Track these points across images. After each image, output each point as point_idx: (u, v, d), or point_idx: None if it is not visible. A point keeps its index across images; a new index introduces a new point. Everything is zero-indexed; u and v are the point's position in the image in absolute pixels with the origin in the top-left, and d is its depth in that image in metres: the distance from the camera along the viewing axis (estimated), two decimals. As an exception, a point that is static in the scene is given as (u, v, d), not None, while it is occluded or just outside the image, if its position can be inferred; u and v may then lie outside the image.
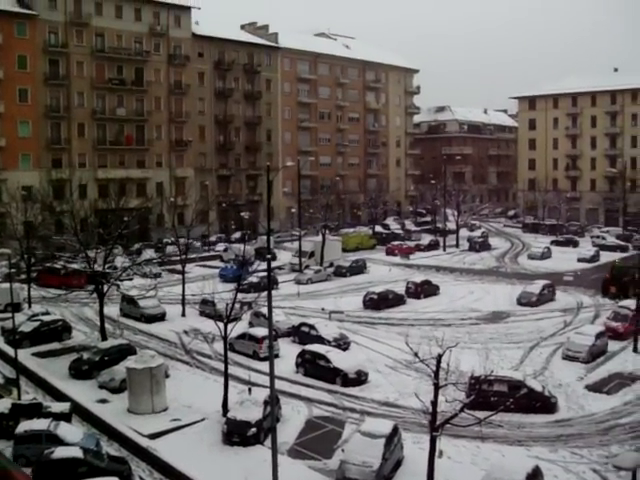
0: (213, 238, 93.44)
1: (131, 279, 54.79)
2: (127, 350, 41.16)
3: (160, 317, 53.92)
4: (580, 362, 43.32)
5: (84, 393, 37.04)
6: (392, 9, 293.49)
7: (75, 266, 51.95)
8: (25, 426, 29.79)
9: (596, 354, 44.49)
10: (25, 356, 41.67)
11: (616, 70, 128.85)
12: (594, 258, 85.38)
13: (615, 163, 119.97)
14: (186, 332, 50.36)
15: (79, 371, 40.16)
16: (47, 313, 50.78)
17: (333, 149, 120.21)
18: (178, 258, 60.54)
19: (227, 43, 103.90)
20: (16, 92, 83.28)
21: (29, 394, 36.68)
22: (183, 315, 54.93)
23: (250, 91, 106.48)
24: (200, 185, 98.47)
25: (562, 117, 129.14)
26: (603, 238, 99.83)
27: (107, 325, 48.31)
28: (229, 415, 32.23)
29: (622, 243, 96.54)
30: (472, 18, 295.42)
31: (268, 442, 29.27)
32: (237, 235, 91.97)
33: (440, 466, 26.66)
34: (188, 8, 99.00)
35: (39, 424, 29.80)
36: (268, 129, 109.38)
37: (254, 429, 31.02)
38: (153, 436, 31.91)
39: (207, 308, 50.63)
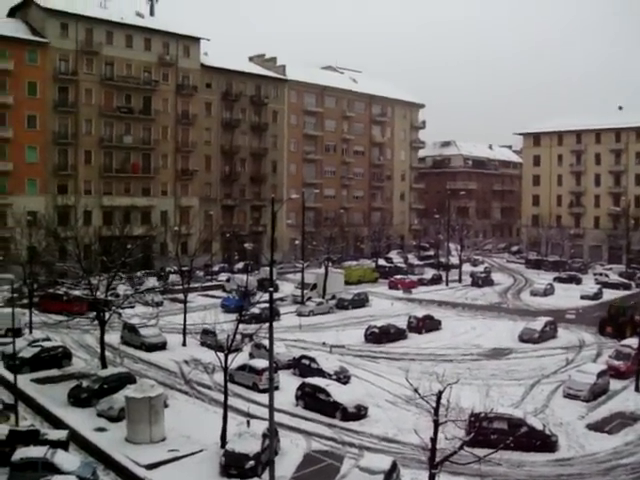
0: (216, 268, 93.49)
1: (133, 307, 54.87)
2: (127, 379, 41.06)
3: (161, 346, 53.77)
4: (581, 401, 43.02)
5: (82, 421, 36.83)
6: (398, 44, 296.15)
7: (77, 293, 51.90)
8: (21, 453, 29.62)
9: (598, 393, 44.19)
10: (24, 382, 41.43)
11: (621, 108, 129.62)
12: (597, 296, 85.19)
13: (619, 201, 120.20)
14: (186, 362, 50.21)
15: (78, 399, 39.94)
16: (48, 339, 50.83)
17: (338, 182, 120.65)
18: (180, 287, 60.55)
19: (235, 74, 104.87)
20: (25, 118, 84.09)
21: (27, 420, 36.55)
22: (184, 345, 54.81)
23: (257, 122, 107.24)
24: (204, 215, 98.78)
25: (566, 154, 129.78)
26: (606, 276, 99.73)
27: (107, 353, 48.23)
28: (227, 447, 32.00)
29: (625, 281, 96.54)
30: (478, 54, 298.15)
31: (266, 475, 29.13)
32: (240, 265, 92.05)
33: (438, 504, 26.46)
34: (197, 39, 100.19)
35: (36, 451, 29.65)
36: (273, 160, 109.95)
37: (252, 462, 30.76)
38: (150, 466, 31.65)
39: (208, 338, 50.46)
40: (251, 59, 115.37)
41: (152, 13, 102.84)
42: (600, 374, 45.02)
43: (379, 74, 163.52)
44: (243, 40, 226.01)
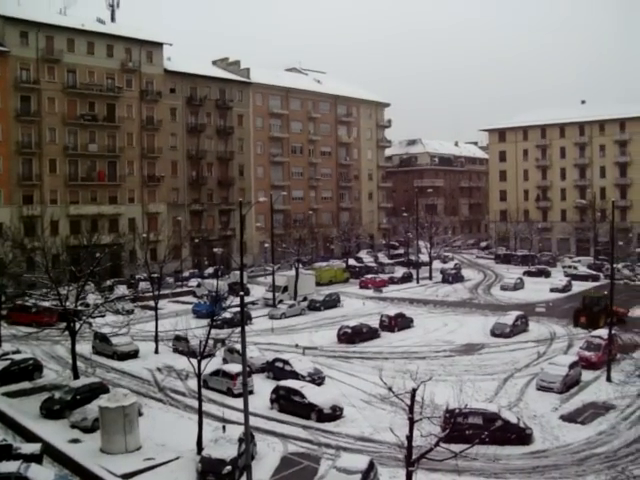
0: (186, 274, 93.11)
1: (103, 316, 54.34)
2: (99, 389, 40.65)
3: (133, 354, 53.39)
4: (554, 392, 43.54)
5: (56, 433, 36.34)
6: (362, 45, 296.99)
7: (46, 304, 51.39)
8: (-5, 468, 29.25)
9: (570, 384, 44.76)
10: (-5, 396, 41.04)
11: (584, 102, 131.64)
12: (566, 288, 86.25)
13: (585, 193, 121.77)
14: (159, 369, 49.94)
15: (50, 411, 39.48)
16: (18, 352, 50.21)
17: (305, 183, 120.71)
18: (151, 294, 60.20)
19: (199, 79, 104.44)
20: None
21: (-1, 435, 36.10)
22: (156, 352, 54.52)
23: (222, 126, 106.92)
24: (173, 220, 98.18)
25: (532, 149, 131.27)
26: (575, 268, 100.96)
27: (79, 363, 47.72)
28: (204, 453, 31.88)
29: (594, 272, 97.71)
30: (443, 52, 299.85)
31: (243, 480, 29.04)
32: (210, 270, 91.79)
33: (416, 501, 26.58)
34: (160, 44, 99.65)
35: (9, 466, 29.18)
36: (240, 164, 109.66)
37: (229, 467, 30.65)
38: (126, 476, 31.42)
39: (180, 345, 50.35)
40: (214, 63, 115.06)
41: (113, 19, 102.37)
42: (572, 366, 45.54)
43: (343, 75, 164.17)
44: (206, 44, 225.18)
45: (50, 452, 33.41)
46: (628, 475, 31.52)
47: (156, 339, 55.06)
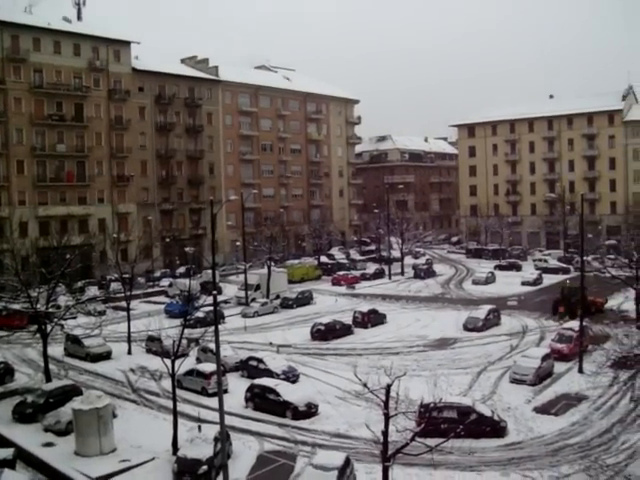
0: (158, 273, 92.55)
1: (75, 318, 53.97)
2: (72, 391, 40.29)
3: (106, 356, 53.01)
4: (527, 385, 43.99)
5: (29, 437, 36.01)
6: (331, 41, 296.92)
7: (16, 306, 50.81)
8: (-32, 475, 28.92)
9: (543, 376, 45.26)
10: (-34, 402, 40.56)
11: (552, 97, 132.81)
12: (537, 281, 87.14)
13: (554, 187, 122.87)
14: (133, 370, 49.66)
15: (23, 415, 39.04)
16: (-12, 356, 49.64)
17: (276, 181, 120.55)
18: (122, 295, 59.85)
19: (167, 77, 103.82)
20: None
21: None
22: (129, 353, 54.17)
23: (191, 125, 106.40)
24: (143, 220, 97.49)
25: (501, 143, 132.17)
26: (545, 261, 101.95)
27: (51, 366, 47.32)
28: (179, 453, 31.77)
29: (564, 265, 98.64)
30: (411, 47, 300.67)
31: (220, 479, 28.92)
32: (182, 270, 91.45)
33: (393, 496, 26.76)
34: (127, 43, 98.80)
35: (-18, 472, 28.96)
36: (210, 162, 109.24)
37: (205, 467, 30.55)
38: (102, 478, 31.20)
39: (153, 345, 50.07)
40: (183, 61, 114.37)
41: (80, 17, 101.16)
42: (544, 358, 46.07)
43: (313, 72, 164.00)
44: (174, 42, 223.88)
45: (23, 457, 33.13)
46: (601, 464, 31.94)
47: (129, 340, 54.69)
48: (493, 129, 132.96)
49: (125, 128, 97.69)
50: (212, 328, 31.54)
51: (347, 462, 29.40)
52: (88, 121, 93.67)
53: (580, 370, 46.66)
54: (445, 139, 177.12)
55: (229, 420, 34.47)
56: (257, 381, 41.89)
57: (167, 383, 39.55)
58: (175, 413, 34.39)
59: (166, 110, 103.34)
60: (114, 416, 36.83)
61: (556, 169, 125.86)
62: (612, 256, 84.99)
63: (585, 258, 57.45)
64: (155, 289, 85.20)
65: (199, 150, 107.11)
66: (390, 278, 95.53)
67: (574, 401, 41.26)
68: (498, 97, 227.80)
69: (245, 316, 68.69)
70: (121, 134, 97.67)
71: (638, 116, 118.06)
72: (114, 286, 75.09)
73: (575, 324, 51.98)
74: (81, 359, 52.64)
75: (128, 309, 57.15)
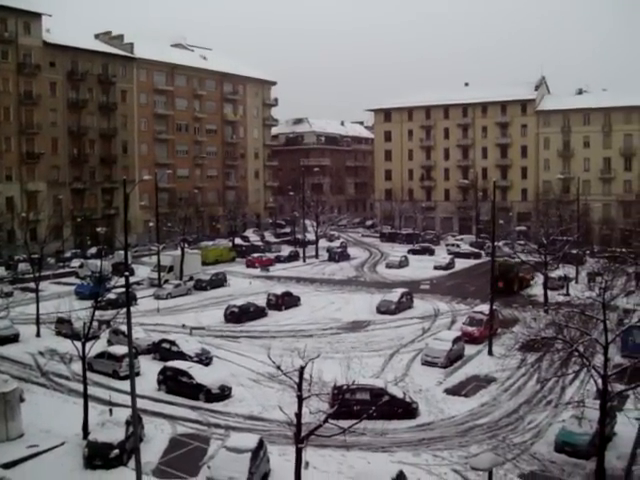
0: (68, 254, 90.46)
1: (-20, 299, 52.30)
2: (-23, 375, 39.21)
3: (13, 338, 51.57)
4: (439, 367, 45.12)
5: None
6: (248, 20, 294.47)
7: None
8: None
9: (454, 358, 46.52)
10: None
11: (467, 85, 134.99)
12: (449, 265, 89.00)
13: (467, 173, 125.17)
14: (41, 353, 48.60)
15: None
16: None
17: (191, 161, 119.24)
18: (31, 276, 58.38)
19: (80, 52, 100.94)
20: None
21: None
22: (38, 335, 52.82)
23: (105, 102, 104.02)
24: (53, 199, 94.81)
25: (417, 129, 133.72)
26: (457, 246, 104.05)
27: (-45, 349, 45.95)
28: (90, 438, 31.35)
29: (476, 250, 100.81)
30: (330, 30, 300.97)
31: (132, 463, 28.72)
32: (93, 250, 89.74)
33: (307, 477, 27.17)
34: (38, 15, 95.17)
35: None
36: (124, 141, 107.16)
37: (117, 451, 30.26)
38: (8, 465, 30.42)
39: (63, 327, 48.75)
40: (97, 37, 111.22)
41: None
42: (455, 340, 47.35)
43: (230, 52, 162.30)
44: (88, 17, 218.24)
45: None
46: (508, 443, 33.12)
47: (37, 322, 53.28)
48: (409, 114, 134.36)
49: (35, 103, 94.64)
50: (124, 310, 31.07)
51: (260, 444, 29.54)
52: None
53: (490, 352, 48.03)
54: (361, 123, 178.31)
55: (141, 403, 34.11)
56: (170, 363, 41.61)
57: (77, 366, 38.90)
58: (86, 396, 33.89)
59: (79, 86, 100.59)
60: (22, 400, 35.97)
61: (470, 156, 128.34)
62: (522, 242, 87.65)
63: (496, 243, 59.03)
64: (65, 270, 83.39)
65: (112, 128, 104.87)
66: (304, 261, 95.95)
67: (484, 383, 42.58)
68: (415, 83, 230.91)
69: (158, 298, 67.98)
70: (31, 110, 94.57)
71: (550, 106, 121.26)
72: (22, 267, 73.29)
73: (485, 308, 53.45)
74: (-14, 342, 51.15)
75: (37, 290, 55.75)
